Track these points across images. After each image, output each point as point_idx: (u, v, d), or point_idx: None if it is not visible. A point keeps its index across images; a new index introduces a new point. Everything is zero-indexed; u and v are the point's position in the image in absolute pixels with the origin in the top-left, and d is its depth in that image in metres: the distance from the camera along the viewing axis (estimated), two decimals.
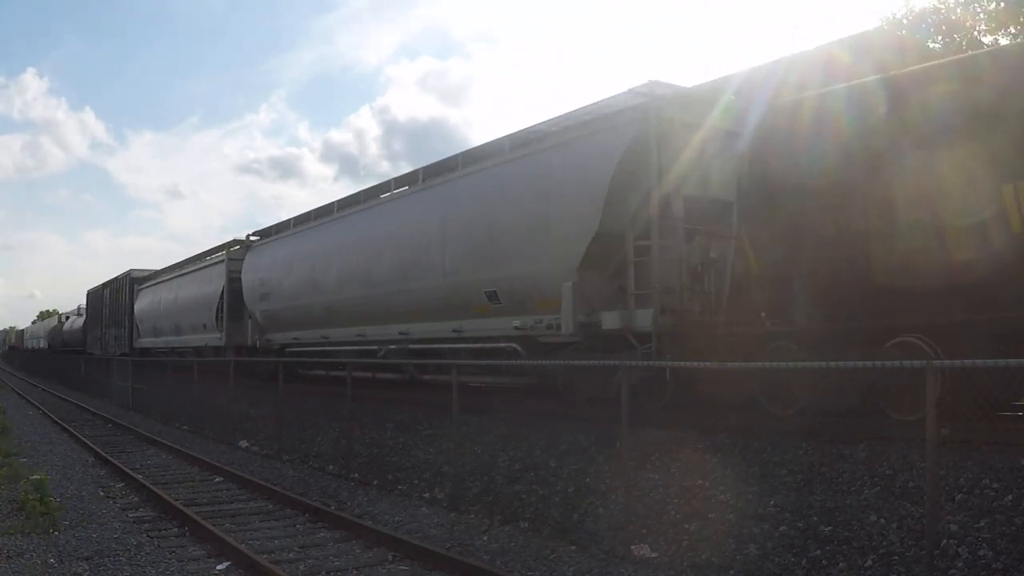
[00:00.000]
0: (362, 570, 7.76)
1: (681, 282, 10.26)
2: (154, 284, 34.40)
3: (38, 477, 10.28)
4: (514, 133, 12.96)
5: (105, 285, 42.12)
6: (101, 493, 11.60)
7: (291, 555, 8.27)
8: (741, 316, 10.39)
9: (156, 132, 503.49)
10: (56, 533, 8.89)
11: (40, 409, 26.91)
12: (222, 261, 25.85)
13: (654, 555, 7.58)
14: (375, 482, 11.91)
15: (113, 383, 30.63)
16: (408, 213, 15.43)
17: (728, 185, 10.54)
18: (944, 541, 6.03)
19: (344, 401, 13.55)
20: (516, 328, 12.03)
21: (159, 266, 39.99)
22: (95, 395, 32.71)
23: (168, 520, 9.96)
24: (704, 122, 10.34)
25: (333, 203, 19.77)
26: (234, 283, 24.37)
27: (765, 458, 8.01)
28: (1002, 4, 21.85)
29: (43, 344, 69.70)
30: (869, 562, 6.29)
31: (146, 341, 34.51)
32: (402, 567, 7.81)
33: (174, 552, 8.42)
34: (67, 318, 62.33)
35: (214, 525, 9.20)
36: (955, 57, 9.69)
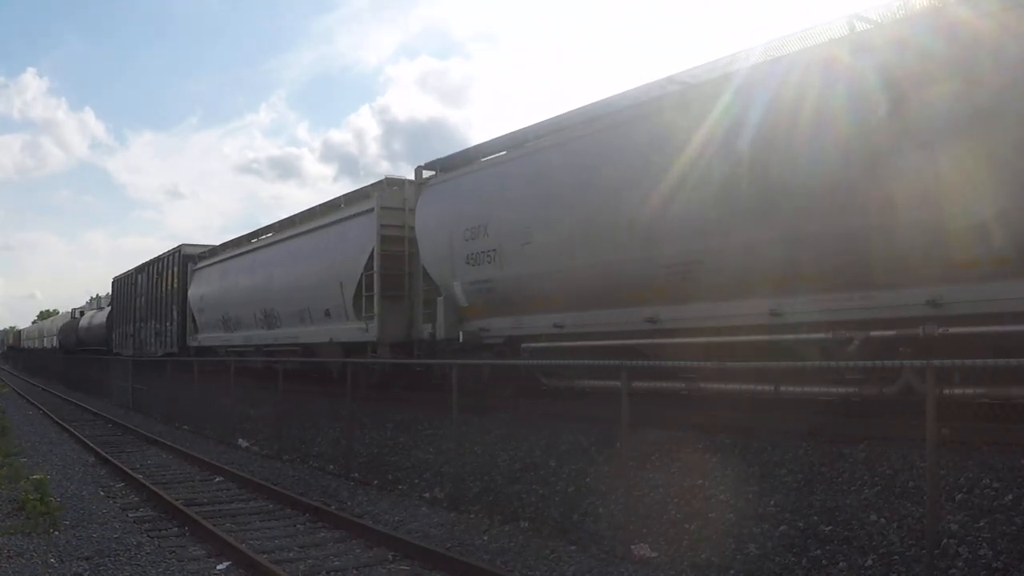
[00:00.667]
0: (362, 570, 7.77)
1: None
2: (220, 261, 25.27)
3: (38, 477, 10.27)
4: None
5: (139, 269, 33.35)
6: (101, 493, 11.61)
7: (291, 555, 8.27)
8: None
9: (156, 132, 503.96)
10: (56, 533, 8.89)
11: (40, 409, 26.92)
12: (369, 211, 16.27)
13: (654, 555, 7.58)
14: (375, 482, 11.92)
15: (113, 383, 30.64)
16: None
17: None
18: (944, 541, 6.03)
19: (344, 401, 13.55)
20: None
21: None
22: (96, 395, 32.73)
23: (168, 520, 9.96)
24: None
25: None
26: (392, 244, 15.91)
27: (765, 458, 8.01)
28: None
29: (51, 343, 62.90)
30: (869, 561, 6.29)
31: (209, 337, 25.67)
32: (402, 567, 7.81)
33: (174, 552, 8.42)
34: (80, 313, 54.85)
35: (214, 525, 9.20)
36: None
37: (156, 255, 31.75)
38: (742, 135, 8.96)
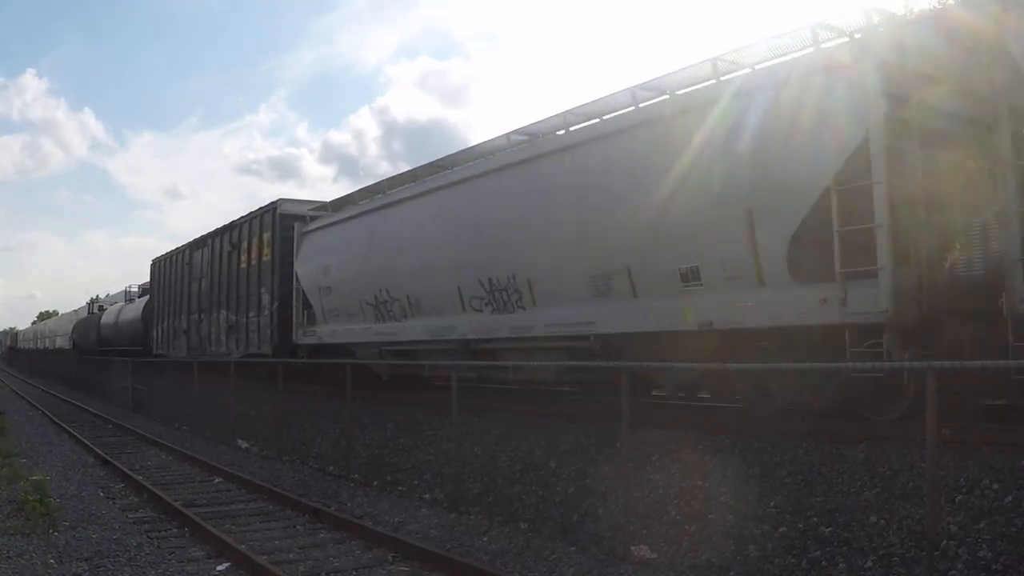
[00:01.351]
0: (362, 571, 7.76)
1: None
2: (361, 215, 16.82)
3: (38, 478, 10.28)
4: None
5: (198, 243, 25.05)
6: (101, 494, 11.60)
7: (291, 556, 8.27)
8: None
9: (156, 132, 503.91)
10: (56, 534, 8.88)
11: (40, 410, 26.91)
12: None
13: (654, 556, 7.58)
14: (375, 483, 11.92)
15: (113, 384, 30.62)
16: None
17: None
18: (944, 542, 6.03)
19: (344, 402, 13.55)
20: None
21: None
22: (96, 396, 32.72)
23: (168, 521, 9.95)
24: None
25: None
26: None
27: (765, 459, 8.00)
28: None
29: (58, 343, 56.65)
30: (869, 563, 6.29)
31: (346, 331, 17.05)
32: (402, 568, 7.81)
33: (174, 553, 8.42)
34: (100, 307, 47.17)
35: (214, 526, 9.20)
36: None
37: (229, 221, 22.76)
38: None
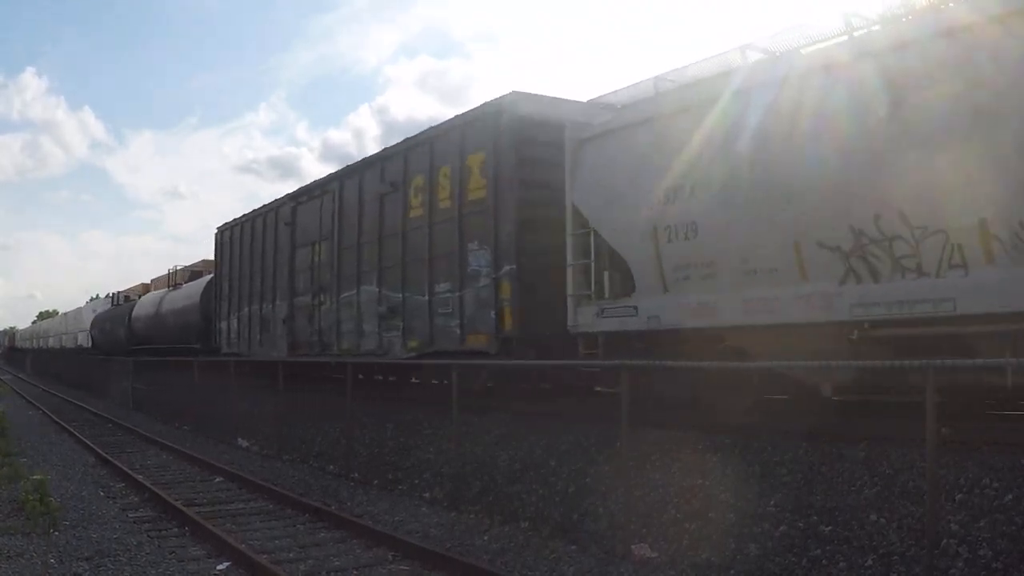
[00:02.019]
0: (362, 570, 7.77)
1: None
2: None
3: (38, 477, 10.27)
4: None
5: (310, 192, 18.17)
6: (101, 493, 11.60)
7: (291, 555, 8.28)
8: None
9: (155, 131, 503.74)
10: (56, 533, 8.88)
11: (40, 409, 26.92)
12: None
13: (654, 555, 7.58)
14: (375, 482, 11.92)
15: (113, 383, 30.63)
16: None
17: None
18: (944, 541, 6.03)
19: (344, 401, 13.56)
20: None
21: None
22: (96, 395, 32.74)
23: (168, 520, 9.96)
24: None
25: None
26: None
27: (765, 458, 8.00)
28: None
29: (72, 342, 50.32)
30: (869, 561, 6.29)
31: (761, 303, 8.49)
32: (402, 567, 7.82)
33: (174, 552, 8.43)
34: (124, 298, 40.11)
35: (214, 525, 9.21)
36: None
37: (380, 149, 15.50)
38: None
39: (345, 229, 16.16)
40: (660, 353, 9.30)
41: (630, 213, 9.93)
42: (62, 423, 21.72)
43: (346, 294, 15.99)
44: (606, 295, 10.34)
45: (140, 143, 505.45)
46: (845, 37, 8.36)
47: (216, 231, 23.87)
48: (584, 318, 10.51)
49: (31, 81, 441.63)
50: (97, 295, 60.94)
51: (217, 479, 12.97)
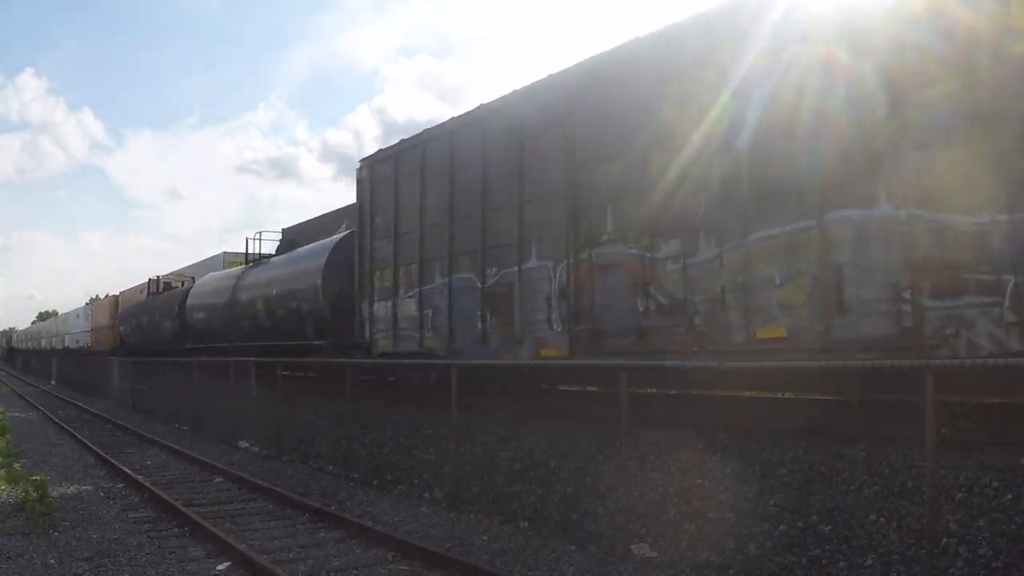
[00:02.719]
0: (362, 570, 7.77)
1: None
2: None
3: (38, 477, 10.28)
4: None
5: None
6: (101, 494, 11.61)
7: (291, 555, 8.27)
8: None
9: (154, 132, 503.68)
10: (56, 534, 8.89)
11: (40, 410, 26.92)
12: None
13: (654, 554, 7.58)
14: (375, 482, 11.92)
15: (113, 384, 30.60)
16: None
17: None
18: (944, 540, 6.04)
19: (344, 401, 13.55)
20: None
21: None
22: (96, 396, 32.71)
23: (168, 520, 9.96)
24: None
25: None
26: None
27: (764, 457, 8.00)
28: None
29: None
30: (869, 561, 6.29)
31: None
32: (402, 567, 7.81)
33: (174, 552, 8.43)
34: (162, 285, 31.61)
35: (214, 525, 9.21)
36: None
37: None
38: None
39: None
40: None
41: None
42: (62, 423, 21.72)
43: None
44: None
45: (139, 143, 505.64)
46: None
47: (361, 166, 15.78)
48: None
49: (30, 81, 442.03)
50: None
51: (217, 479, 12.97)
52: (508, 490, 9.80)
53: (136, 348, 30.89)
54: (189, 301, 25.20)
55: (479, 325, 12.20)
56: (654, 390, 11.13)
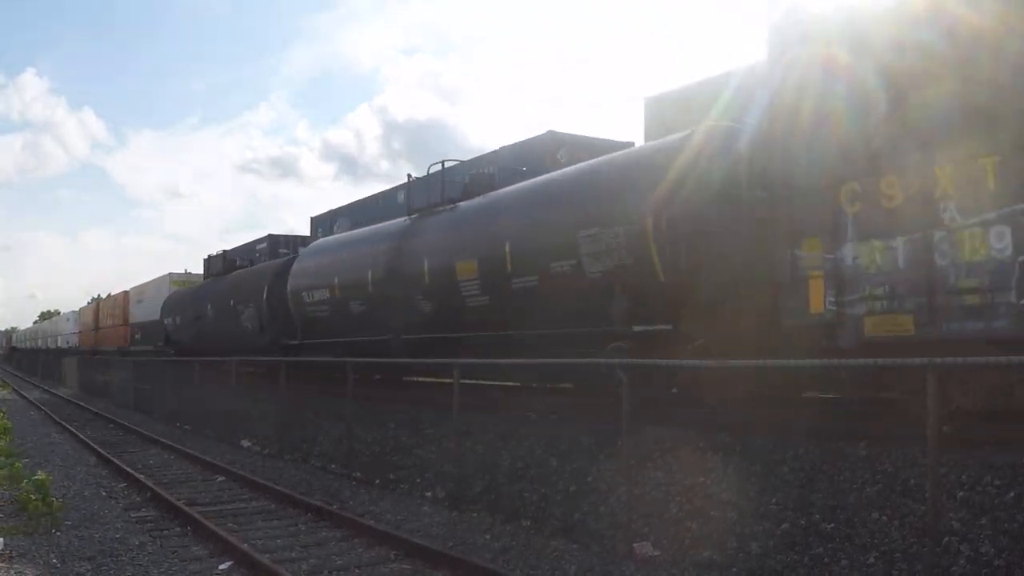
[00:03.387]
0: (364, 569, 7.77)
1: None
2: None
3: (40, 477, 10.28)
4: None
5: None
6: (103, 493, 11.61)
7: (293, 554, 8.28)
8: None
9: (156, 131, 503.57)
10: (58, 533, 8.90)
11: (42, 410, 26.94)
12: None
13: (656, 553, 7.58)
14: (377, 481, 11.93)
15: (114, 383, 30.61)
16: None
17: None
18: (946, 538, 6.03)
19: (346, 400, 13.56)
20: None
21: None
22: (98, 395, 32.74)
23: (170, 520, 9.97)
24: None
25: None
26: None
27: (767, 456, 8.00)
28: None
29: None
30: (871, 559, 6.29)
31: None
32: (404, 566, 7.82)
33: (176, 552, 8.43)
34: (238, 263, 24.42)
35: (216, 525, 9.21)
36: None
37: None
38: None
39: None
40: None
41: None
42: (64, 423, 21.74)
43: None
44: None
45: (140, 143, 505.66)
46: None
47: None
48: None
49: (31, 81, 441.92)
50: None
51: (219, 478, 12.98)
52: (510, 489, 9.80)
53: (190, 348, 24.91)
54: (295, 280, 18.31)
55: None
56: None
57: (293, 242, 24.95)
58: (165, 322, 28.11)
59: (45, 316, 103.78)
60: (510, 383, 14.28)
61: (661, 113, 12.86)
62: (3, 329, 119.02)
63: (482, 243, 12.64)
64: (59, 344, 58.41)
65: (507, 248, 11.98)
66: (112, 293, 57.32)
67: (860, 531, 6.58)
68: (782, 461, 7.83)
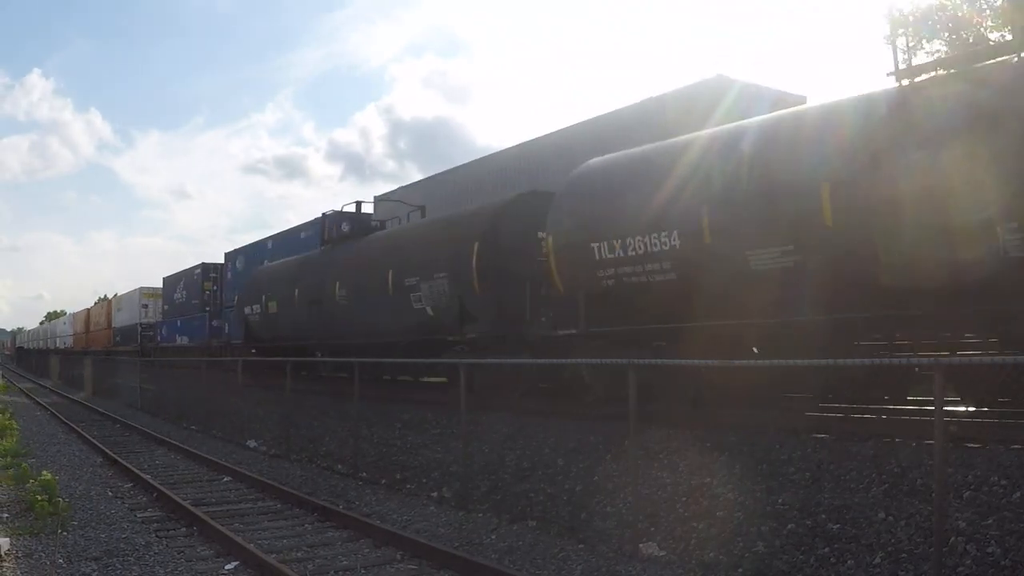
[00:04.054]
0: (370, 569, 7.77)
1: None
2: None
3: (46, 477, 10.32)
4: None
5: None
6: (109, 493, 11.64)
7: (299, 554, 8.29)
8: None
9: (162, 132, 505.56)
10: (64, 533, 8.92)
11: (48, 410, 27.02)
12: None
13: (662, 553, 7.58)
14: (383, 481, 11.94)
15: (121, 383, 30.71)
16: None
17: None
18: (952, 538, 6.02)
19: (352, 400, 13.57)
20: None
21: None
22: (105, 396, 32.83)
23: (176, 520, 9.98)
24: None
25: None
26: None
27: (773, 456, 8.00)
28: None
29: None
30: (877, 559, 6.28)
31: None
32: (410, 566, 7.82)
33: (182, 552, 8.44)
34: (351, 233, 18.17)
35: (222, 525, 9.22)
36: None
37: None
38: None
39: None
40: None
41: None
42: (70, 423, 21.79)
43: None
44: None
45: (147, 143, 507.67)
46: None
47: None
48: None
49: (38, 82, 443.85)
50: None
51: (225, 479, 13.00)
52: (516, 489, 9.80)
53: (270, 348, 20.16)
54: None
55: None
56: None
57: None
58: (245, 312, 22.23)
59: (51, 317, 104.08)
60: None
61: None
62: (9, 330, 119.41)
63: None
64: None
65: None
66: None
67: (866, 531, 6.57)
68: (788, 461, 7.83)
